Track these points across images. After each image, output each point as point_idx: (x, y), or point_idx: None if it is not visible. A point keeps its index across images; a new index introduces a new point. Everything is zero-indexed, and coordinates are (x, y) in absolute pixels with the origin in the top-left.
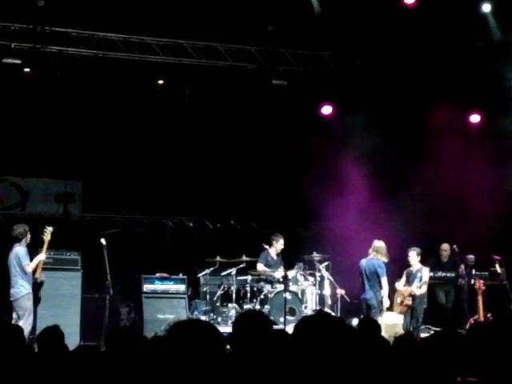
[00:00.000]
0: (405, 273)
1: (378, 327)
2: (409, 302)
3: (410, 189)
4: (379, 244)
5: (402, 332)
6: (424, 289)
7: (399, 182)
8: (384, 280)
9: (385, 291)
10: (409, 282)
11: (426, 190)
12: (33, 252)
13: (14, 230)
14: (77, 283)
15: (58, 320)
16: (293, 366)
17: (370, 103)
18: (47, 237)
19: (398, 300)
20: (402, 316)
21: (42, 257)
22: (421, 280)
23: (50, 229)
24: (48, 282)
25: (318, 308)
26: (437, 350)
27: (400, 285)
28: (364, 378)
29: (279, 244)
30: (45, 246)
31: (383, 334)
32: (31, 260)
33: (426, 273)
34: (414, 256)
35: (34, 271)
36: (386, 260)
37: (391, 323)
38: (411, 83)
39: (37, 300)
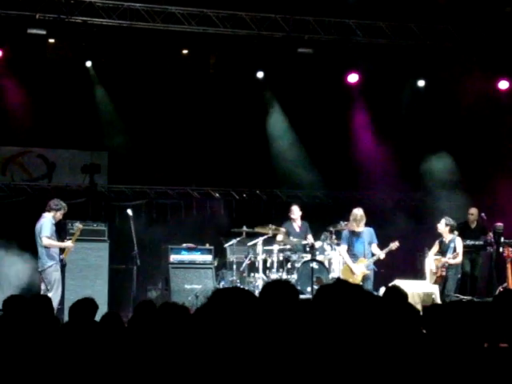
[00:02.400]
0: (437, 242)
1: (403, 296)
2: (443, 272)
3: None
4: (352, 211)
5: (438, 301)
6: (459, 259)
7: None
8: (340, 248)
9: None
10: (442, 252)
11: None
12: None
13: (52, 200)
14: (104, 254)
15: (86, 291)
16: (313, 335)
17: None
18: (76, 233)
19: (432, 269)
20: (436, 286)
21: (68, 244)
22: (454, 250)
23: (79, 226)
24: (75, 253)
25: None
26: (464, 318)
27: (431, 254)
28: (386, 346)
29: (292, 213)
30: (74, 238)
31: (420, 302)
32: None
33: (459, 243)
34: (442, 224)
35: (62, 250)
36: (354, 228)
37: (428, 292)
38: (439, 50)
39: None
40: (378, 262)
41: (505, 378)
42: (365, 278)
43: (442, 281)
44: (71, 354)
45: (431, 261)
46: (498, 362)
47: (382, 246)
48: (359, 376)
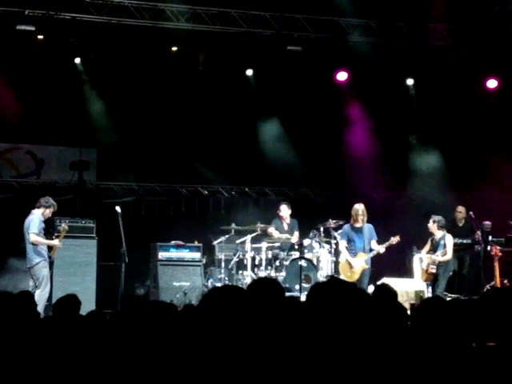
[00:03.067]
0: (429, 240)
1: (393, 294)
2: (433, 270)
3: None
4: (353, 207)
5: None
6: (448, 256)
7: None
8: (339, 243)
9: (343, 255)
10: (433, 250)
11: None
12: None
13: (41, 198)
14: (92, 251)
15: (73, 288)
16: (305, 332)
17: (383, 69)
18: (62, 233)
19: (423, 267)
20: (425, 283)
21: (55, 243)
22: (444, 247)
23: (64, 227)
24: (64, 249)
25: (330, 274)
26: (451, 317)
27: (423, 252)
28: (376, 344)
29: (281, 211)
30: (59, 238)
31: (409, 300)
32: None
33: (449, 240)
34: (430, 223)
35: (50, 248)
36: (355, 224)
37: (416, 290)
38: (428, 49)
39: None
40: (372, 259)
41: (492, 377)
42: (363, 273)
43: (432, 278)
44: (53, 349)
45: (424, 258)
46: (486, 360)
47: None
48: (349, 373)
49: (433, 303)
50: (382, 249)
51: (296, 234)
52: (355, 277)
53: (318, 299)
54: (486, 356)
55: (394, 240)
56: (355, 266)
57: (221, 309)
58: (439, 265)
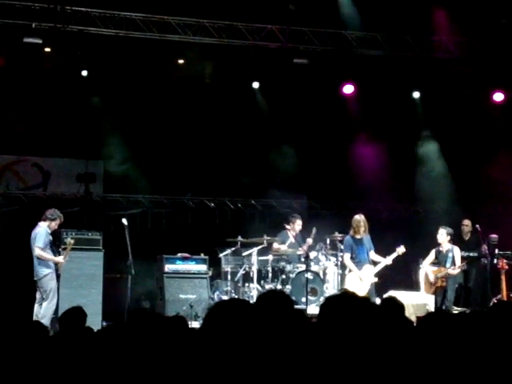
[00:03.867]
0: (433, 252)
1: (400, 307)
2: (443, 283)
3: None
4: (354, 218)
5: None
6: (459, 269)
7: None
8: (344, 256)
9: (349, 267)
10: (439, 262)
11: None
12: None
13: (48, 210)
14: (99, 263)
15: (80, 300)
16: (318, 345)
17: (390, 82)
18: (68, 247)
19: (431, 280)
20: (433, 296)
21: (59, 260)
22: (453, 260)
23: (70, 241)
24: (70, 262)
25: (341, 288)
26: (457, 330)
27: (426, 264)
28: (385, 359)
29: (296, 225)
30: (66, 252)
31: (414, 313)
32: (54, 253)
33: (457, 252)
34: (443, 234)
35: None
36: (356, 235)
37: (421, 303)
38: (434, 62)
39: None
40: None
41: None
42: (372, 287)
43: (441, 291)
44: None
45: (428, 271)
46: (490, 372)
47: (379, 255)
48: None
49: (438, 316)
50: (389, 260)
51: (309, 240)
52: (365, 290)
53: (332, 312)
54: (491, 368)
55: (400, 251)
56: (364, 279)
57: (227, 323)
58: (448, 277)
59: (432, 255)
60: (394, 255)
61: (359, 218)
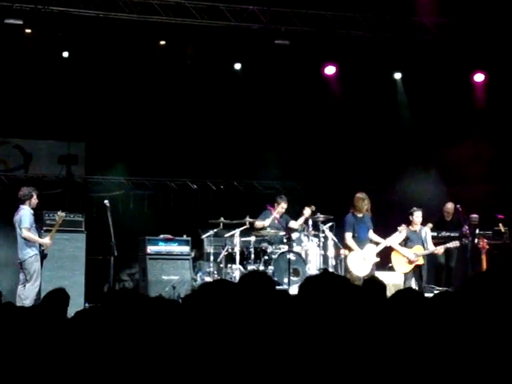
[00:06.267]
0: (404, 232)
1: (382, 287)
2: (422, 262)
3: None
4: (356, 196)
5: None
6: (443, 249)
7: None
8: (345, 235)
9: (351, 247)
10: (412, 242)
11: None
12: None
13: (19, 191)
14: (81, 245)
15: (62, 282)
16: (297, 325)
17: (371, 63)
18: (57, 222)
19: (411, 258)
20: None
21: (46, 241)
22: (426, 240)
23: (61, 214)
24: (52, 243)
25: (322, 267)
26: (439, 310)
27: (395, 243)
28: (366, 337)
29: (280, 207)
30: (52, 232)
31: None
32: (39, 234)
33: (429, 232)
34: (419, 216)
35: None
36: (358, 214)
37: (399, 283)
38: (416, 42)
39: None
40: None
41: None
42: (373, 267)
43: (417, 270)
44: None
45: (403, 250)
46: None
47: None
48: (339, 366)
49: (406, 295)
50: (391, 241)
51: (291, 222)
52: (368, 269)
53: (311, 292)
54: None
55: (402, 230)
56: (367, 258)
57: (211, 304)
58: (425, 256)
59: (403, 234)
60: (395, 235)
61: (363, 196)
